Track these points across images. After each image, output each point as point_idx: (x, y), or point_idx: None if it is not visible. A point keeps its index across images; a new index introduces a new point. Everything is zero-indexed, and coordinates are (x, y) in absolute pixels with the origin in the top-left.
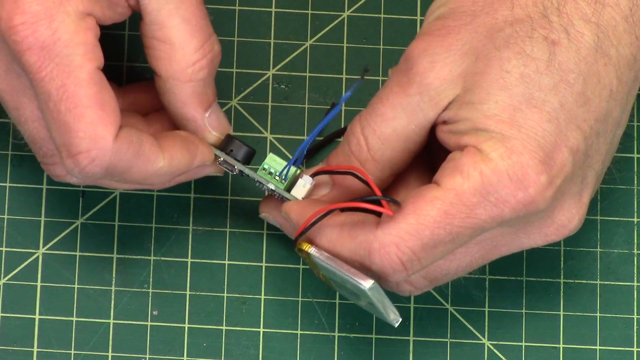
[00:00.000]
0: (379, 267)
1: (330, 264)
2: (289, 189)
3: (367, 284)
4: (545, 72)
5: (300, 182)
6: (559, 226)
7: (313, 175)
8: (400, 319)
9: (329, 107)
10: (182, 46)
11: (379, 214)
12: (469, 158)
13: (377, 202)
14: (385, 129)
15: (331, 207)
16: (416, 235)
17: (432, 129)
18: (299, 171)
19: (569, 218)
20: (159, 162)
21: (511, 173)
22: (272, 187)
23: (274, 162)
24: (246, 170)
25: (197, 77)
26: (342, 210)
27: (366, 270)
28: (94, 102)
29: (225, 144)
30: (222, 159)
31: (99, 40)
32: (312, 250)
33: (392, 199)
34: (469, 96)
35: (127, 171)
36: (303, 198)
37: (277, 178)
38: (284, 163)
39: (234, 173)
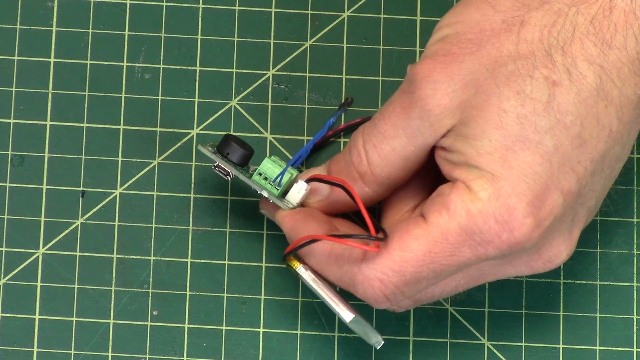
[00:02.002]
0: (362, 297)
1: (315, 288)
2: (284, 192)
3: (347, 317)
4: (542, 113)
5: (295, 187)
6: (545, 261)
7: (308, 181)
8: (382, 342)
9: (328, 107)
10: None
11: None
12: (457, 195)
13: (366, 230)
14: (385, 147)
15: (318, 237)
16: (399, 272)
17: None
18: (294, 175)
19: (556, 254)
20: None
21: (497, 215)
22: (265, 194)
23: (269, 168)
24: (241, 176)
25: None
26: (333, 221)
27: (351, 293)
28: None
29: (222, 146)
30: (217, 163)
31: None
32: (300, 269)
33: (381, 229)
34: (464, 129)
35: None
36: (297, 204)
37: (271, 184)
38: (280, 168)
39: (229, 178)
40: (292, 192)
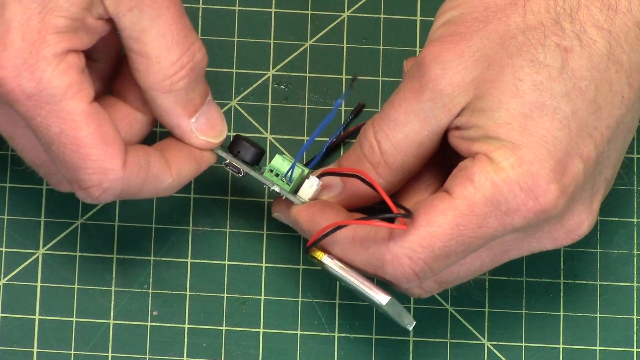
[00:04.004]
0: (391, 277)
1: (344, 275)
2: (296, 190)
3: (383, 300)
4: (557, 79)
5: (307, 183)
6: (568, 231)
7: (320, 176)
8: (415, 322)
9: (328, 107)
10: (158, 60)
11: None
12: (480, 167)
13: (390, 212)
14: (397, 134)
15: (343, 223)
16: (428, 248)
17: (445, 134)
18: (305, 172)
19: (578, 223)
20: (168, 179)
21: (522, 182)
22: (277, 189)
23: (280, 164)
24: (252, 172)
25: (176, 88)
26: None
27: (378, 276)
28: (96, 139)
29: (233, 145)
30: (227, 161)
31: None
32: (325, 259)
33: (404, 210)
34: (480, 103)
35: (139, 192)
36: (310, 199)
37: (282, 180)
38: (290, 164)
39: (241, 175)
40: (304, 188)
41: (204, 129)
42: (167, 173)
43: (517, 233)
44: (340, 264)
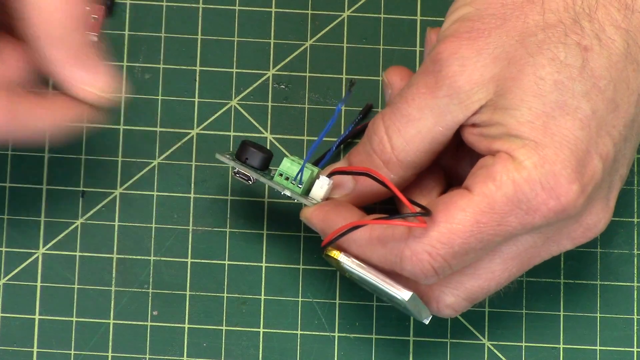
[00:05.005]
0: (410, 273)
1: (363, 272)
2: (307, 191)
3: (406, 295)
4: (578, 78)
5: (318, 183)
6: (585, 229)
7: (330, 176)
8: (431, 316)
9: (328, 107)
10: (46, 7)
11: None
12: (501, 165)
13: (407, 210)
14: (410, 130)
15: (360, 222)
16: (448, 244)
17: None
18: (315, 172)
19: (595, 222)
20: (39, 122)
21: (544, 182)
22: (288, 193)
23: (289, 167)
24: (261, 179)
25: (63, 36)
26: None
27: (396, 274)
28: None
29: (240, 152)
30: (236, 169)
31: None
32: (342, 257)
33: (421, 207)
34: (501, 101)
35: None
36: (322, 200)
37: (293, 183)
38: (299, 167)
39: (250, 183)
40: (315, 189)
41: (89, 80)
42: (36, 115)
43: (538, 238)
44: (357, 261)
